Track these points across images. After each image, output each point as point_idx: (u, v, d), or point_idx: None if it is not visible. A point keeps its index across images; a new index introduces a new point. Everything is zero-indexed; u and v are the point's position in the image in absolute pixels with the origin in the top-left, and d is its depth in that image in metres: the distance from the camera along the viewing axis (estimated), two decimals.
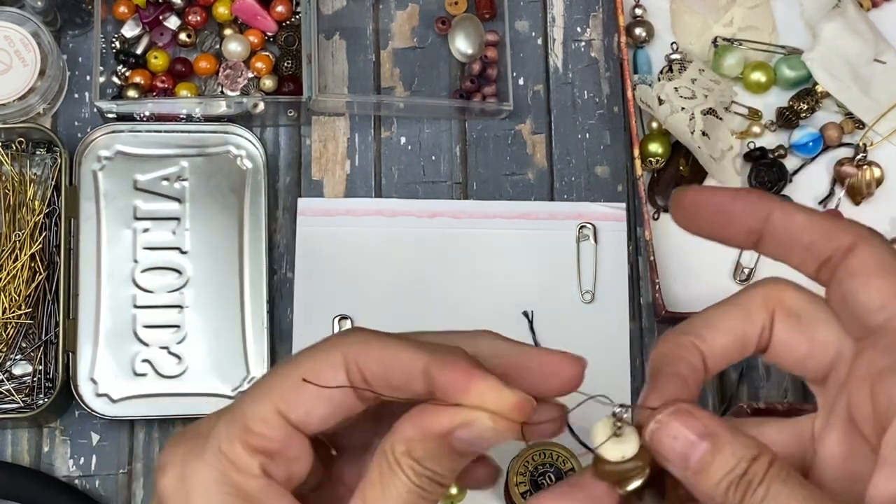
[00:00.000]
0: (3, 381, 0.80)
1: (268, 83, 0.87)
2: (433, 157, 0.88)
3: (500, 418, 0.41)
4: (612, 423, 0.41)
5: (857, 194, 0.87)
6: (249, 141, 0.85)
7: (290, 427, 0.41)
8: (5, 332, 0.81)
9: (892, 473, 0.39)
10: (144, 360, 0.81)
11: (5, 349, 0.80)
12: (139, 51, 0.87)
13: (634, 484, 0.41)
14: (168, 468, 0.41)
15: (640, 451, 0.41)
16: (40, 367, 0.81)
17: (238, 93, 0.87)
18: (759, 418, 0.44)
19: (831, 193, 0.88)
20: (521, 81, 0.90)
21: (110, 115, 0.85)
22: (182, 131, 0.85)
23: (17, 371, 0.81)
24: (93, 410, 0.80)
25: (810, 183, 0.88)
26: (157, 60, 0.86)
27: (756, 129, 0.88)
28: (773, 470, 0.39)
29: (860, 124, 0.88)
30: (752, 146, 0.88)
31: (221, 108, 0.85)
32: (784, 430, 0.43)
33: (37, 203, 0.83)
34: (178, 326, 0.82)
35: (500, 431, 0.41)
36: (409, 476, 0.40)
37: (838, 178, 0.87)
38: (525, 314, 0.84)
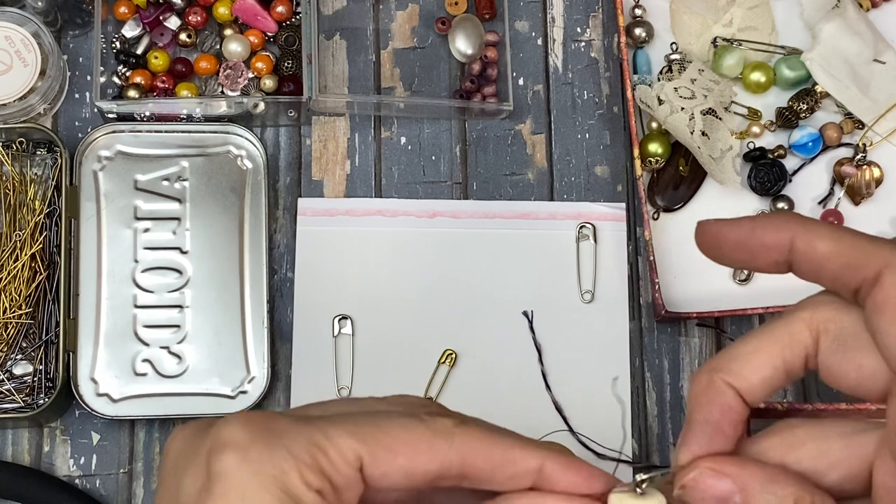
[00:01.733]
0: (3, 380, 0.80)
1: (268, 83, 0.87)
2: (433, 157, 0.88)
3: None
4: (630, 492, 0.41)
5: (857, 194, 0.87)
6: (250, 141, 0.85)
7: (360, 475, 0.40)
8: (6, 331, 0.81)
9: None
10: (145, 360, 0.82)
11: (6, 349, 0.81)
12: (139, 51, 0.87)
13: None
14: (231, 448, 0.39)
15: None
16: (41, 367, 0.81)
17: (238, 93, 0.87)
18: (819, 425, 0.41)
19: (831, 193, 0.88)
20: (521, 81, 0.90)
21: (111, 116, 0.85)
22: (182, 131, 0.85)
23: (17, 371, 0.81)
24: (93, 410, 0.80)
25: (810, 183, 0.88)
26: (158, 60, 0.86)
27: (756, 129, 0.88)
28: None
29: (860, 124, 0.88)
30: (751, 146, 0.88)
31: (222, 108, 0.85)
32: (851, 448, 0.40)
33: (37, 203, 0.83)
34: (178, 326, 0.82)
35: None
36: None
37: (838, 178, 0.88)
38: (525, 314, 0.84)
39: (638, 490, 0.41)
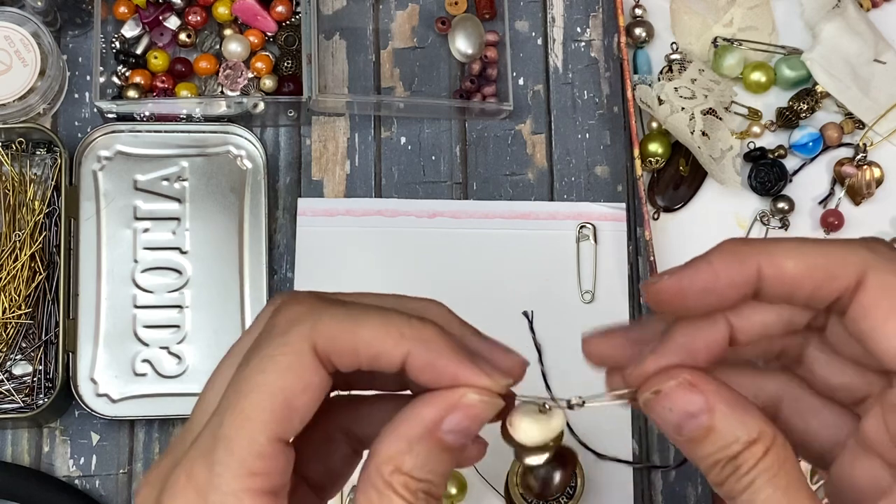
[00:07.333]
0: (3, 381, 0.80)
1: (268, 83, 0.87)
2: (433, 157, 0.88)
3: (487, 391, 0.37)
4: (534, 410, 0.39)
5: (857, 194, 0.87)
6: (249, 141, 0.85)
7: (289, 447, 0.37)
8: (5, 332, 0.81)
9: None
10: (144, 360, 0.81)
11: (5, 349, 0.80)
12: (139, 51, 0.87)
13: (537, 460, 0.39)
14: None
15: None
16: (40, 367, 0.81)
17: (238, 93, 0.87)
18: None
19: (831, 193, 0.88)
20: (521, 81, 0.90)
21: (110, 115, 0.85)
22: (182, 131, 0.85)
23: (17, 371, 0.81)
24: (93, 410, 0.80)
25: (810, 183, 0.88)
26: (157, 60, 0.86)
27: (756, 129, 0.88)
28: (765, 461, 0.36)
29: (860, 124, 0.88)
30: (751, 146, 0.88)
31: (221, 108, 0.85)
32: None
33: (37, 203, 0.83)
34: (178, 326, 0.82)
35: (491, 404, 0.37)
36: (405, 495, 0.36)
37: (838, 178, 0.87)
38: (525, 314, 0.84)
39: (541, 409, 0.39)
